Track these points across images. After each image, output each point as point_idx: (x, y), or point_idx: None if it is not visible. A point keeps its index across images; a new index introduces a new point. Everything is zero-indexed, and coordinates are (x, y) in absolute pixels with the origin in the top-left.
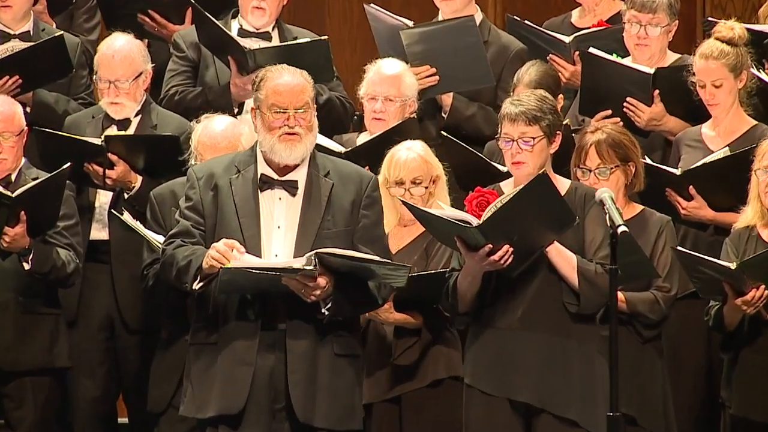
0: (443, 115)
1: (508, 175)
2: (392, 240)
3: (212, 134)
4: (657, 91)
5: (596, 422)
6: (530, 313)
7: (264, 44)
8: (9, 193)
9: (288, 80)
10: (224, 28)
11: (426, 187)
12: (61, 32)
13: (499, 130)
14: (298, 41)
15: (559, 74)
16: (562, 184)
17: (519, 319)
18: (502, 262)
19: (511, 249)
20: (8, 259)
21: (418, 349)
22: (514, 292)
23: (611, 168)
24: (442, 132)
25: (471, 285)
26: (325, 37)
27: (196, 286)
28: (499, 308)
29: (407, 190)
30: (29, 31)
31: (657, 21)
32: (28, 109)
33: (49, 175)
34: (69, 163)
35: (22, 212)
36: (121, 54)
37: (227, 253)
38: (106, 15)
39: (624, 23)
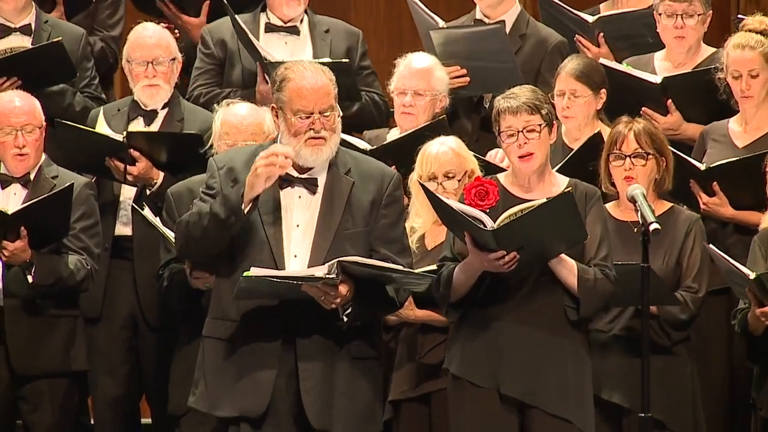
0: (485, 106)
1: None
2: (428, 238)
3: (238, 113)
4: (670, 101)
5: (588, 422)
6: (524, 309)
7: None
8: (5, 211)
9: (312, 82)
10: (251, 36)
11: (459, 181)
12: (59, 38)
13: (496, 128)
14: (324, 60)
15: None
16: (560, 181)
17: (512, 314)
18: (506, 267)
19: (518, 256)
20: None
21: (444, 347)
22: (509, 287)
23: (648, 154)
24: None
25: (468, 279)
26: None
27: (246, 209)
28: (492, 301)
29: (440, 184)
30: (30, 24)
31: (693, 9)
32: None
33: (50, 193)
34: (71, 183)
35: (22, 227)
36: (157, 36)
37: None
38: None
39: (659, 13)
